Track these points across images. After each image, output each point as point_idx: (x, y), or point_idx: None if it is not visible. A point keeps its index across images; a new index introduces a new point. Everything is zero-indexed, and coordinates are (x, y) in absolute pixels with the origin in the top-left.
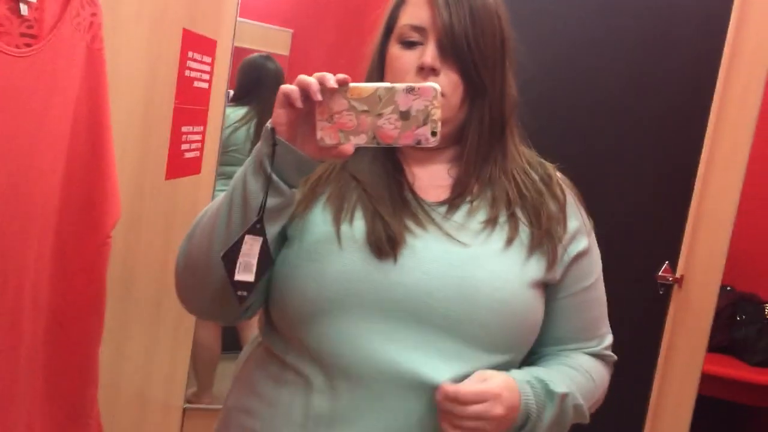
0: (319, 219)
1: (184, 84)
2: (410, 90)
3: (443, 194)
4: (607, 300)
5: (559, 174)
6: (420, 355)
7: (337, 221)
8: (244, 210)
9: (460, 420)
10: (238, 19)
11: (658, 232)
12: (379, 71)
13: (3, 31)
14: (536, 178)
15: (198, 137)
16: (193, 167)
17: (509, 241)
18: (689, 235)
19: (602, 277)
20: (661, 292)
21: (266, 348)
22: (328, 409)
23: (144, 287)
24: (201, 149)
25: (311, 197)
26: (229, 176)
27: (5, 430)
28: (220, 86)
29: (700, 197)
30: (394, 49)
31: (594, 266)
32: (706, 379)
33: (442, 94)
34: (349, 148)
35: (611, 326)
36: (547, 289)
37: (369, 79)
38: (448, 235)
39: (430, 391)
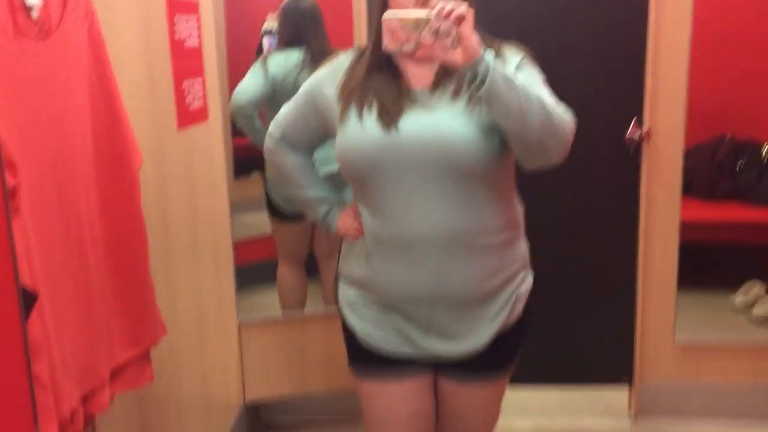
0: (351, 113)
1: (176, 45)
2: (438, 17)
3: (428, 82)
4: (585, 166)
5: (510, 46)
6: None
7: (359, 113)
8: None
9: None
10: None
11: (623, 96)
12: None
13: (24, 36)
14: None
15: (199, 89)
16: (200, 116)
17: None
18: (650, 90)
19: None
20: (631, 153)
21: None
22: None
23: (178, 224)
24: (204, 99)
25: (345, 103)
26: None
27: (92, 338)
28: (210, 40)
29: (654, 54)
30: None
31: (535, 76)
32: (717, 227)
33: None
34: (404, 52)
35: (592, 191)
36: None
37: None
38: (426, 108)
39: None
